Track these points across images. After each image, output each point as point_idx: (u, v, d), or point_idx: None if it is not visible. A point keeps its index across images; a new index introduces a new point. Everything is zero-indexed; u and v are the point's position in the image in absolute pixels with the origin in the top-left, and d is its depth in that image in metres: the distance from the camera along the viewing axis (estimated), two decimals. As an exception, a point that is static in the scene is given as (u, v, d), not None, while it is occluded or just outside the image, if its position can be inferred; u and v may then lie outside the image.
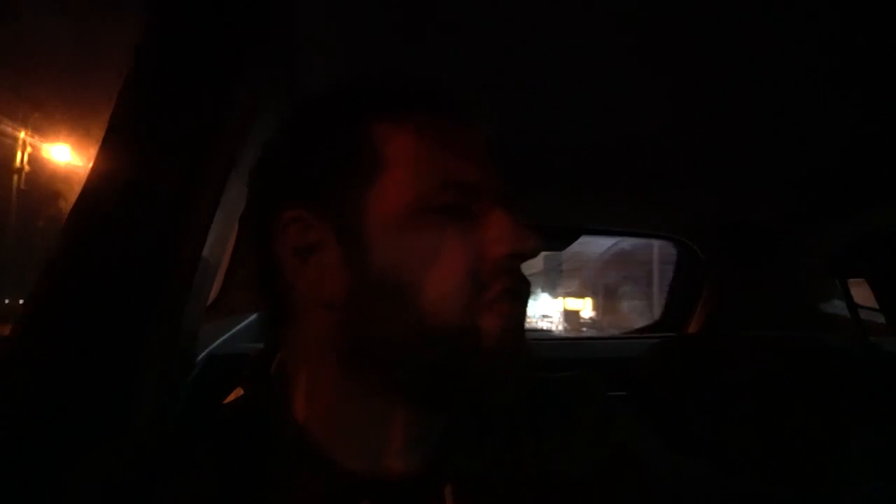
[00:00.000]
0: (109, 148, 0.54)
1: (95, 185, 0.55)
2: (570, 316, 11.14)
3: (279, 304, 0.45)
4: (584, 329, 10.04)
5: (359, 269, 0.40)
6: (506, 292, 0.41)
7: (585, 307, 11.38)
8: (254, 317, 1.29)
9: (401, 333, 0.39)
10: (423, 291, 0.39)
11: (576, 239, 1.54)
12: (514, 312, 0.42)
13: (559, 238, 1.55)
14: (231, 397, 0.51)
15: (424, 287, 0.39)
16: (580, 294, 11.34)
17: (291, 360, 0.45)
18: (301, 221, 0.42)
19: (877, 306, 1.35)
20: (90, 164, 0.54)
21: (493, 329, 0.40)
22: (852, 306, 1.40)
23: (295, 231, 0.42)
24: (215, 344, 1.10)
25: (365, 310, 0.40)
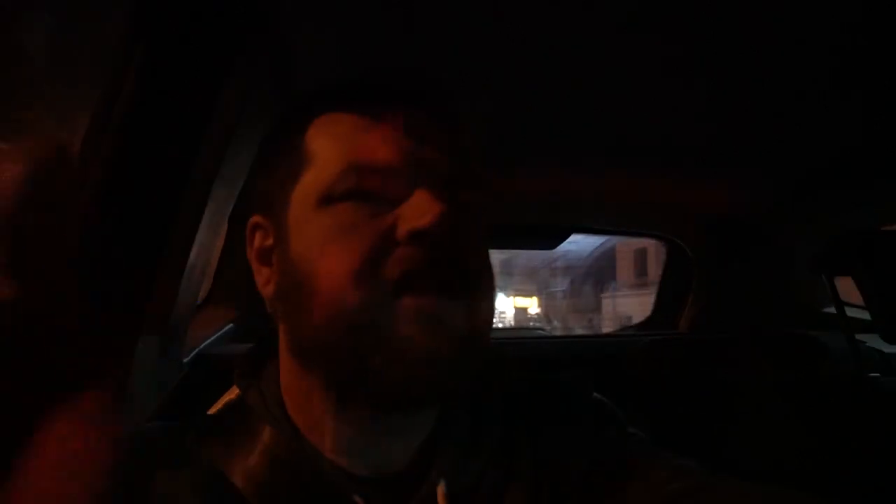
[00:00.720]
0: (95, 148, 0.53)
1: (81, 185, 0.54)
2: (520, 312, 13.13)
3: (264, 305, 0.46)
4: (532, 322, 11.85)
5: (283, 263, 0.41)
6: (411, 276, 0.37)
7: (532, 305, 13.68)
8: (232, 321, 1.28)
9: (313, 324, 0.39)
10: (323, 279, 0.38)
11: (567, 237, 1.54)
12: (425, 298, 0.37)
13: (550, 237, 1.56)
14: (226, 396, 0.50)
15: (323, 274, 0.38)
16: (528, 293, 13.74)
17: (277, 359, 0.46)
18: (260, 227, 0.44)
19: (863, 303, 1.37)
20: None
21: (396, 323, 0.37)
22: (838, 303, 1.42)
23: (258, 237, 0.44)
24: (204, 344, 1.09)
25: (288, 302, 0.41)
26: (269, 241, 0.43)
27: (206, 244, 0.74)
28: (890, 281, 1.28)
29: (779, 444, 1.09)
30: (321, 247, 0.39)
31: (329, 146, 0.41)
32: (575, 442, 0.47)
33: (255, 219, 0.45)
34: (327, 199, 0.39)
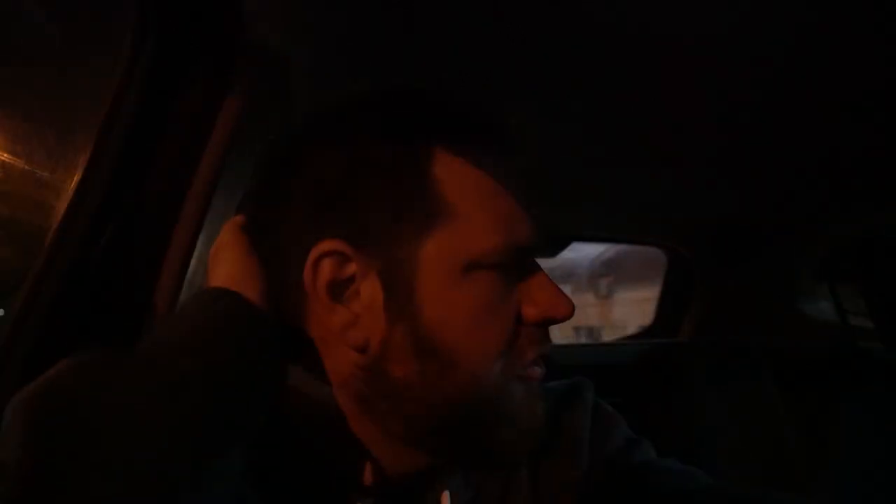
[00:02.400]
0: (96, 152, 0.53)
1: (82, 190, 0.53)
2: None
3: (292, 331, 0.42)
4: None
5: (405, 318, 0.38)
6: (538, 358, 0.41)
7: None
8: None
9: (429, 390, 0.38)
10: (468, 353, 0.38)
11: (566, 246, 1.54)
12: (540, 378, 0.42)
13: (549, 245, 1.55)
14: None
15: (468, 348, 0.38)
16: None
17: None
18: (338, 256, 0.38)
19: (866, 311, 1.36)
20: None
21: (519, 395, 0.40)
22: (841, 311, 1.41)
23: (330, 264, 0.38)
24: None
25: (400, 360, 0.38)
26: (350, 272, 0.38)
27: (207, 252, 0.74)
28: (892, 288, 1.27)
29: (780, 451, 1.08)
30: (471, 319, 0.38)
31: (480, 208, 0.39)
32: (577, 450, 0.46)
33: (331, 244, 0.38)
34: (474, 267, 0.38)
